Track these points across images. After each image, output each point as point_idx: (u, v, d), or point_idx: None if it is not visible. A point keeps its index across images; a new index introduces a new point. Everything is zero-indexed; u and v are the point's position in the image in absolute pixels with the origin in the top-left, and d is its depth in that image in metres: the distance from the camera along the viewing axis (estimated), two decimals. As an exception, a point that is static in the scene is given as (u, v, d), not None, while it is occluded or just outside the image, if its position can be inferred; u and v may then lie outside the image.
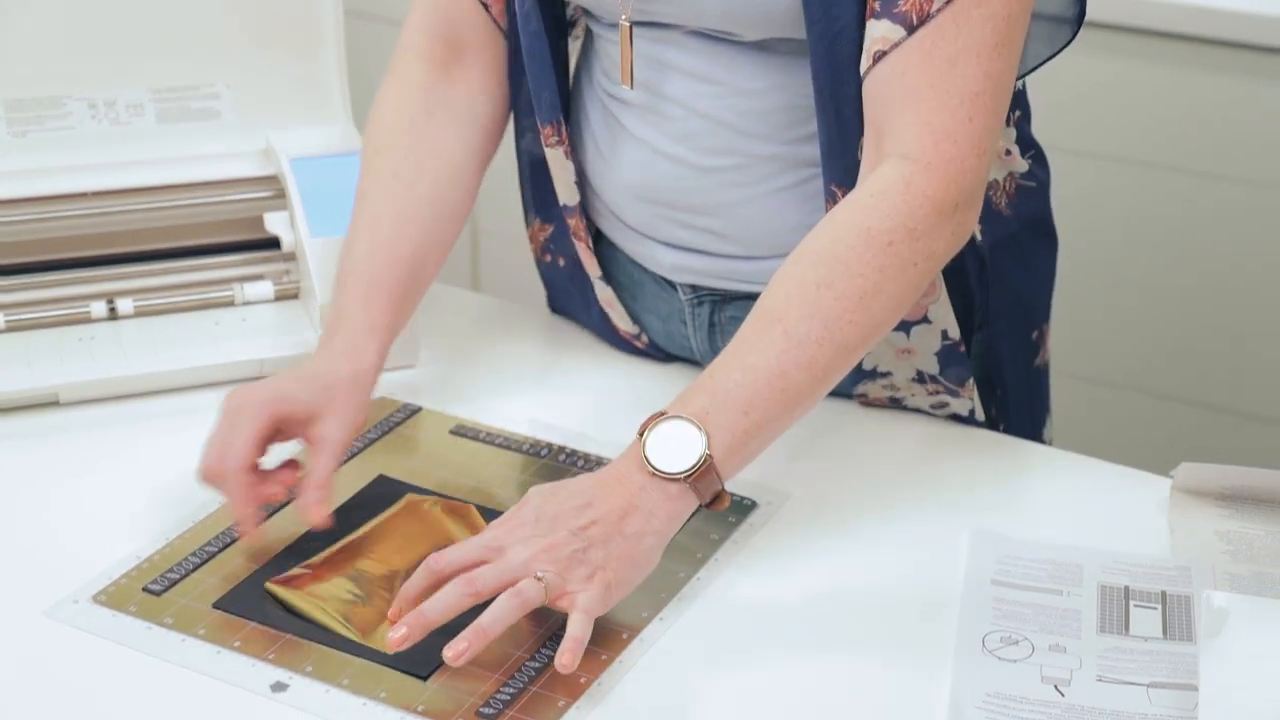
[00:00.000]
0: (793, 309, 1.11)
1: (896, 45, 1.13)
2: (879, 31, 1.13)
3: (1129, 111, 2.19)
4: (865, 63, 1.15)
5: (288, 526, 1.18)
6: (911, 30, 1.12)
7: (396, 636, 1.02)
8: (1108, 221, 2.25)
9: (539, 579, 1.03)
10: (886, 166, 1.14)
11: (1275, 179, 2.14)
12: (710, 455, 1.08)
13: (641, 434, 1.09)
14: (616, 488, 1.08)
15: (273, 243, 1.45)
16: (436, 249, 1.31)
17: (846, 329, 1.11)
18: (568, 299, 1.48)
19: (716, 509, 1.11)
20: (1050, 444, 1.43)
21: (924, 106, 1.13)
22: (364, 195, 1.31)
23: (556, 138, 1.32)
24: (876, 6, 1.13)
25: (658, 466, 1.08)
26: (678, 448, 1.08)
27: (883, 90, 1.14)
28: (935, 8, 1.12)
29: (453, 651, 1.01)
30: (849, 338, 1.11)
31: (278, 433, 1.18)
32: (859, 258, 1.11)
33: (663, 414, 1.09)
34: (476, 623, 1.02)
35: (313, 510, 1.15)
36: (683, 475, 1.08)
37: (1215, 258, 2.21)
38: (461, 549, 1.06)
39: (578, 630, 1.03)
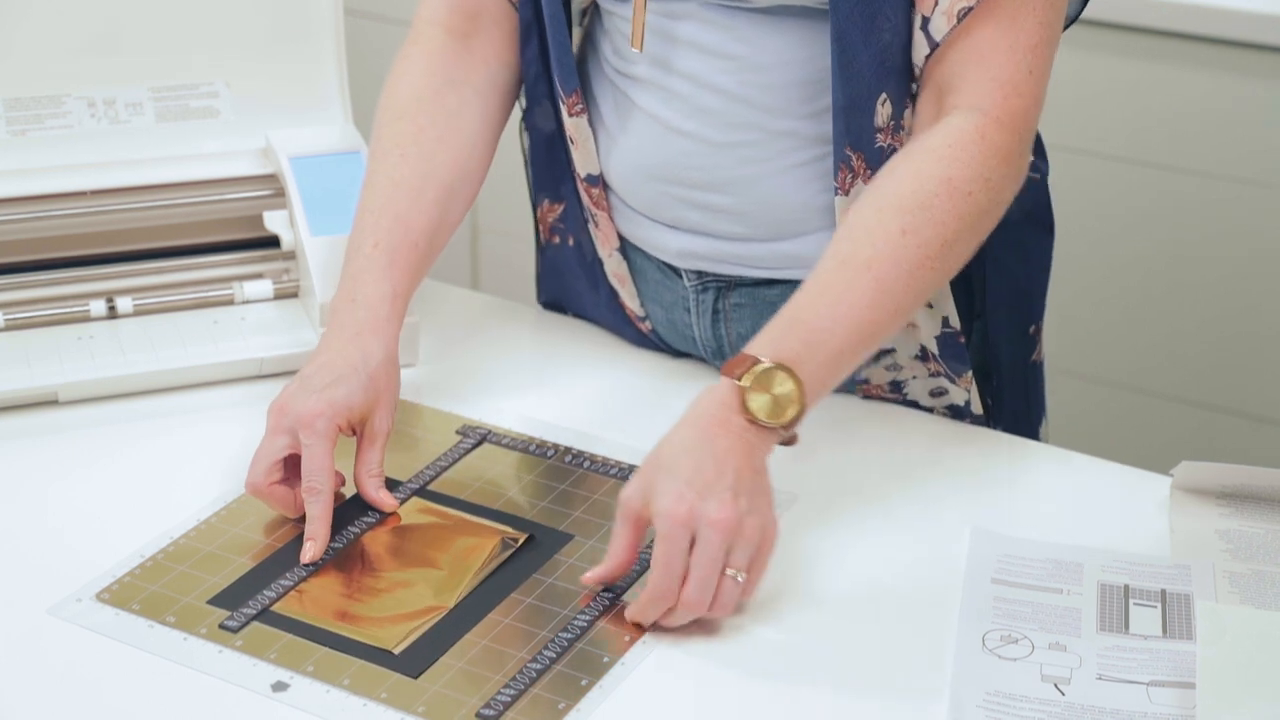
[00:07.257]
0: (881, 255, 1.13)
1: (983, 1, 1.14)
2: None
3: (1129, 111, 2.19)
4: (946, 23, 1.16)
5: (287, 525, 1.19)
6: None
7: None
8: (1107, 220, 2.25)
9: (734, 578, 1.06)
10: (958, 118, 1.16)
11: (1275, 179, 2.14)
12: (804, 405, 1.10)
13: (738, 377, 1.09)
14: (724, 434, 1.08)
15: (272, 241, 1.45)
16: (450, 219, 1.33)
17: (927, 276, 1.14)
18: (574, 281, 1.46)
19: (788, 445, 1.13)
20: (1048, 443, 1.43)
21: (991, 62, 1.15)
22: (383, 159, 1.31)
23: (580, 105, 1.32)
24: None
25: (758, 416, 1.09)
26: (773, 395, 1.09)
27: (946, 48, 1.16)
28: None
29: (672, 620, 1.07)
30: (927, 286, 1.14)
31: None
32: (942, 206, 1.14)
33: (753, 358, 1.10)
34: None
35: (373, 499, 1.20)
36: (782, 426, 1.10)
37: (1215, 257, 2.21)
38: (658, 586, 1.06)
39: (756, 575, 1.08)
